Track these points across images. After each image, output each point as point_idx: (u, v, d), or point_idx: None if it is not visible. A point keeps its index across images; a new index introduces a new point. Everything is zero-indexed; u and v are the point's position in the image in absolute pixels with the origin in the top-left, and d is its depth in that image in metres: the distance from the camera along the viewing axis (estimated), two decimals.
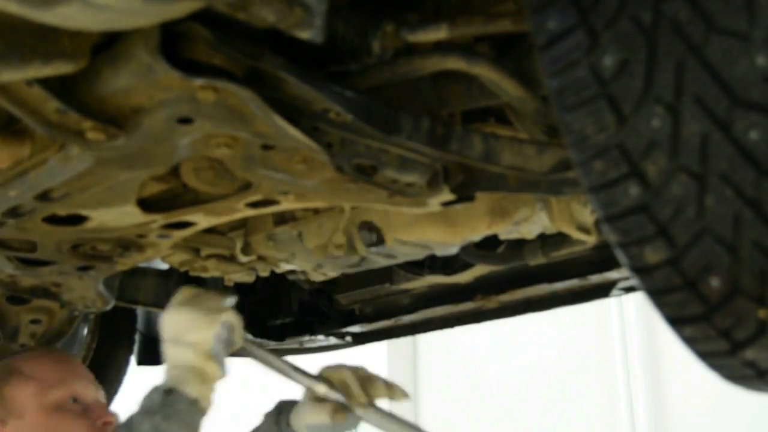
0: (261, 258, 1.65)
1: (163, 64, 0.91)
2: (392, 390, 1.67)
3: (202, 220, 1.35)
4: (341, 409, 1.62)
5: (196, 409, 1.49)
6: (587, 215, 1.50)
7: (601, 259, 1.80)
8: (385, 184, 1.20)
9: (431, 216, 1.46)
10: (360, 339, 2.41)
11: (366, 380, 1.66)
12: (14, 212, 1.26)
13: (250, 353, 1.68)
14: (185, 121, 1.02)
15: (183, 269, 1.69)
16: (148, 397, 1.49)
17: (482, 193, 1.28)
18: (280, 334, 2.29)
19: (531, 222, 1.46)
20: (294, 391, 1.71)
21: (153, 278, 2.08)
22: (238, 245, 1.61)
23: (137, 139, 1.04)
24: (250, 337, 1.68)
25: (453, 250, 1.57)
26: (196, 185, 1.25)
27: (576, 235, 1.50)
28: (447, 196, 1.22)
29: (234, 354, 1.62)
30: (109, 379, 2.43)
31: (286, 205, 1.30)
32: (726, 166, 0.78)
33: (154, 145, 1.07)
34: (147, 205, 1.29)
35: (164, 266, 2.02)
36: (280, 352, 2.46)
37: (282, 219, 1.56)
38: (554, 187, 1.18)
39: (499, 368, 5.12)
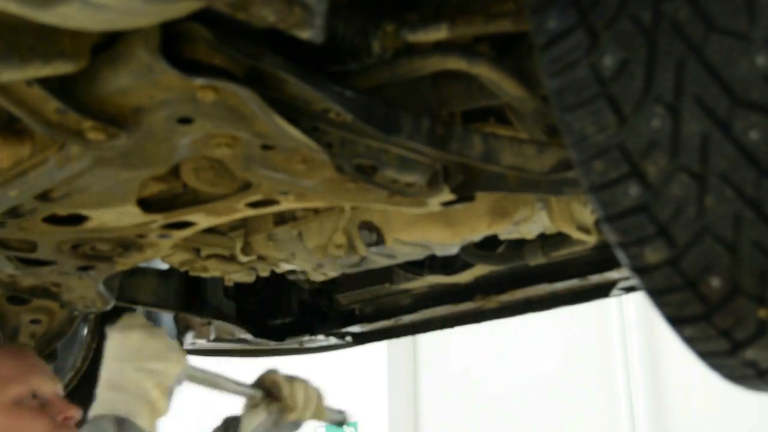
0: (261, 258, 1.65)
1: (163, 64, 0.91)
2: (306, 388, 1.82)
3: (202, 220, 1.35)
4: (276, 403, 1.77)
5: None
6: (587, 215, 1.50)
7: (601, 259, 1.80)
8: (385, 184, 1.20)
9: (431, 216, 1.46)
10: (360, 339, 2.41)
11: (292, 379, 1.81)
12: (14, 212, 1.26)
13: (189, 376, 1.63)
14: (185, 120, 1.02)
15: (183, 269, 1.69)
16: (98, 427, 1.43)
17: (482, 193, 1.27)
18: (280, 334, 2.29)
19: (531, 222, 1.46)
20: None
21: (153, 278, 2.08)
22: (238, 245, 1.61)
23: (137, 139, 1.04)
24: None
25: (453, 250, 1.57)
26: (196, 185, 1.25)
27: (576, 235, 1.50)
28: (447, 196, 1.22)
29: None
30: None
31: (286, 205, 1.30)
32: (726, 166, 0.77)
33: (154, 145, 1.07)
34: (147, 205, 1.29)
35: (164, 266, 2.01)
36: (281, 352, 2.46)
37: (282, 219, 1.56)
38: (554, 187, 1.18)
39: (499, 368, 5.12)
